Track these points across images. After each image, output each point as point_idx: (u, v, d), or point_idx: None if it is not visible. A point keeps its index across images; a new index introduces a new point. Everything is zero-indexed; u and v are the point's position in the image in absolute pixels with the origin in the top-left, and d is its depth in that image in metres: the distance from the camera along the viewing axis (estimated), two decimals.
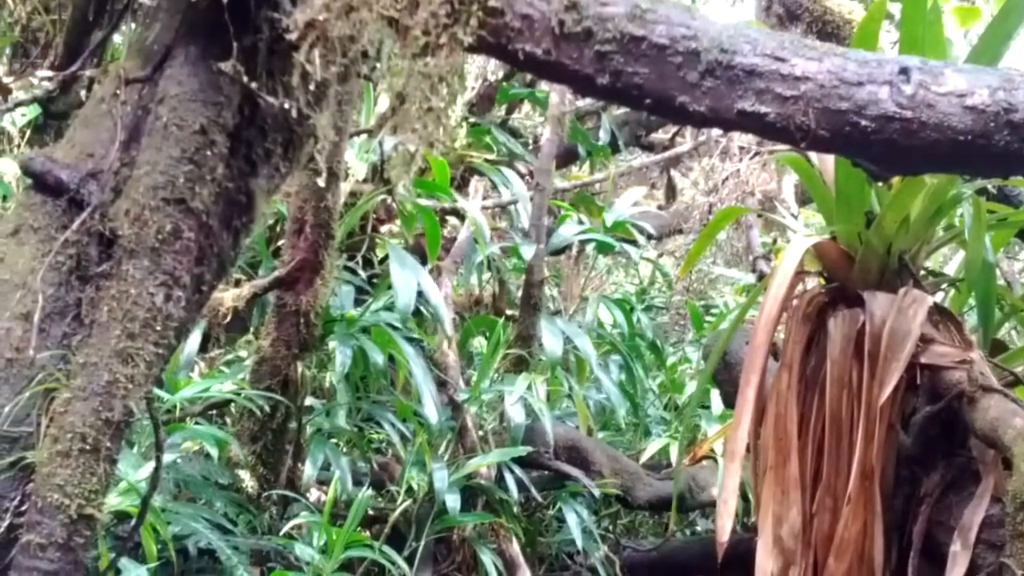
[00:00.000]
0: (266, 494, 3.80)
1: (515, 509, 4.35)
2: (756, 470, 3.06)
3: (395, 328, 4.03)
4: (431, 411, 3.96)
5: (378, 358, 3.98)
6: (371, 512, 4.07)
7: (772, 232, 6.62)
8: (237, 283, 4.01)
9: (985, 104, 1.76)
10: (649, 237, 5.94)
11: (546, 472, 4.67)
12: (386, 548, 3.57)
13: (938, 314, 2.89)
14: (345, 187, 4.11)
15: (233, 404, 3.87)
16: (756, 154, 6.16)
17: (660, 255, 8.02)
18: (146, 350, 1.87)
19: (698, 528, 5.72)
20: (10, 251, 1.92)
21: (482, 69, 6.23)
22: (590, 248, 5.75)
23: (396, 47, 1.72)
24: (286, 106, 1.89)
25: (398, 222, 4.90)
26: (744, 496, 3.71)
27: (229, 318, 3.85)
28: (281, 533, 3.59)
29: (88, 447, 1.81)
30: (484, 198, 5.47)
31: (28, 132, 4.11)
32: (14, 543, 1.80)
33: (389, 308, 4.07)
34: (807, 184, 3.31)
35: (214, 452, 3.61)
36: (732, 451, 2.98)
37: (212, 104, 1.92)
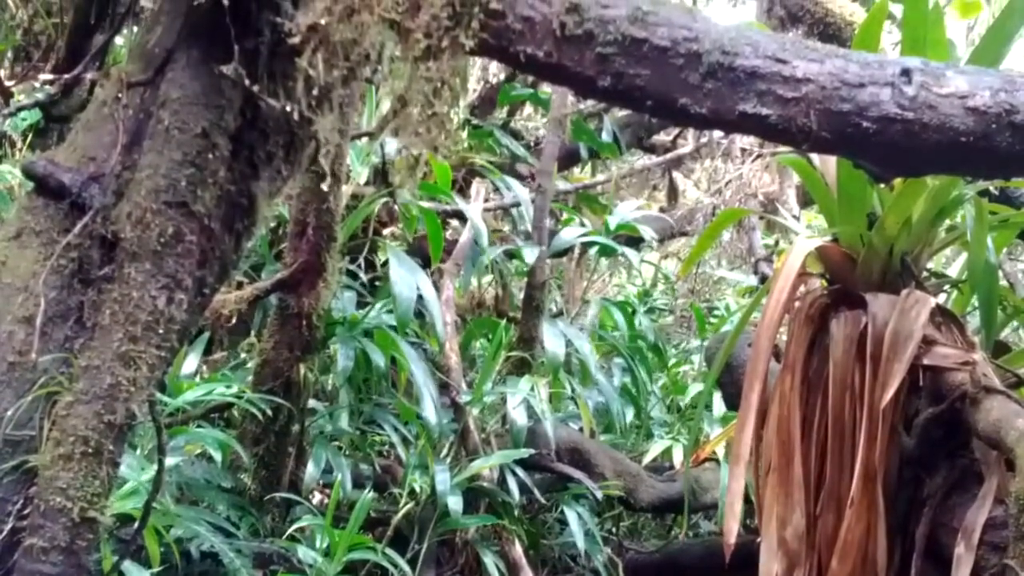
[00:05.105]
0: (268, 497, 3.79)
1: (517, 511, 4.34)
2: (759, 472, 3.06)
3: (396, 331, 4.03)
4: (431, 413, 3.95)
5: (380, 360, 3.98)
6: (373, 515, 4.06)
7: (774, 234, 6.63)
8: (239, 286, 4.00)
9: (987, 105, 1.76)
10: (640, 241, 5.92)
11: (548, 474, 4.67)
12: (389, 551, 3.57)
13: (940, 315, 2.89)
14: (347, 190, 4.11)
15: (235, 407, 3.87)
16: (758, 156, 6.17)
17: (664, 257, 8.01)
18: (148, 353, 1.87)
19: (701, 530, 5.71)
20: (12, 255, 1.93)
21: (484, 71, 6.23)
22: (592, 250, 5.75)
23: (398, 50, 1.72)
24: (287, 109, 1.88)
25: (399, 225, 4.90)
26: (746, 498, 3.70)
27: (232, 321, 3.84)
28: (284, 536, 3.58)
29: (90, 450, 1.81)
30: (486, 200, 5.47)
31: (30, 136, 4.11)
32: (17, 547, 1.80)
33: (391, 310, 4.06)
34: (809, 186, 3.31)
35: (217, 455, 3.61)
36: (737, 454, 2.98)
37: (214, 107, 1.92)
